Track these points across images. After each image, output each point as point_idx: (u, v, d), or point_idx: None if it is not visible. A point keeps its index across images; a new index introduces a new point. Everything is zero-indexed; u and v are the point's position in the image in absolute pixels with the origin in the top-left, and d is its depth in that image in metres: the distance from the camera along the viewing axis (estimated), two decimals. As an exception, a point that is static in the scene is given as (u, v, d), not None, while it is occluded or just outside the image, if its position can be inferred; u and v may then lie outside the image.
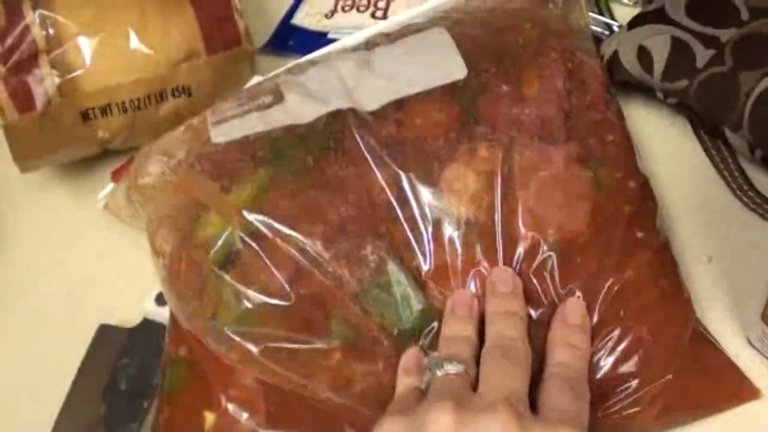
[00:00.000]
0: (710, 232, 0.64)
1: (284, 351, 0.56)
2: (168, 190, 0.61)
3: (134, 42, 0.71)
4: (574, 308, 0.55)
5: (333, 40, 0.78)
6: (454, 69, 0.60)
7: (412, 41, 0.63)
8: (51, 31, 0.71)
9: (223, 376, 0.57)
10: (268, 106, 0.62)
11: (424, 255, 0.56)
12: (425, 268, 0.56)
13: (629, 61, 0.67)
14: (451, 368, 0.51)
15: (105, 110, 0.72)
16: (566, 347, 0.53)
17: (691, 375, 0.56)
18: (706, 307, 0.60)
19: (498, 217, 0.56)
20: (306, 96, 0.61)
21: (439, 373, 0.51)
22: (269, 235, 0.56)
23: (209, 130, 0.62)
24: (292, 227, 0.56)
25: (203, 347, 0.58)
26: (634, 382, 0.55)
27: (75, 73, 0.71)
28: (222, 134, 0.61)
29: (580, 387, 0.52)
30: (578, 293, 0.55)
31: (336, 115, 0.59)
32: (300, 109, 0.61)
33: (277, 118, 0.61)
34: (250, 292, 0.56)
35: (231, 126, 0.61)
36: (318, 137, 0.59)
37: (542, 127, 0.58)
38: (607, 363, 0.55)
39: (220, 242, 0.57)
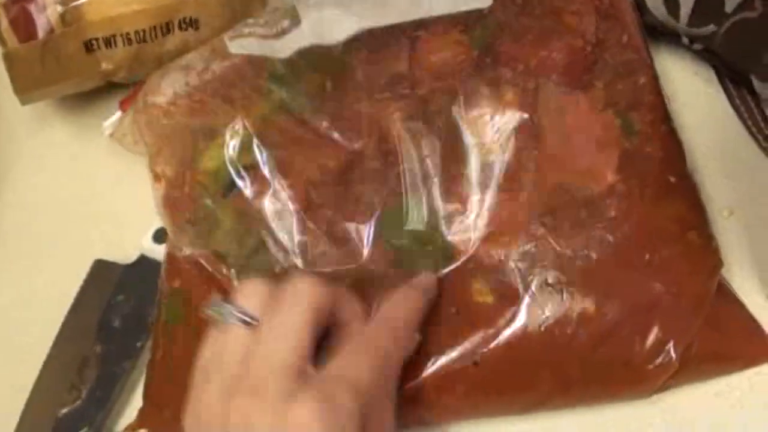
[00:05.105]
0: (732, 184, 0.62)
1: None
2: (178, 112, 0.60)
3: (140, -30, 0.69)
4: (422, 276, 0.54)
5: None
6: (479, -1, 0.59)
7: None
8: (54, -44, 0.68)
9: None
10: (285, 31, 0.61)
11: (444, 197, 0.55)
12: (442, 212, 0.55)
13: (655, 5, 0.64)
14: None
15: (109, 41, 0.70)
16: (390, 300, 0.53)
17: (714, 330, 0.54)
18: (726, 262, 0.58)
19: (525, 161, 0.55)
20: (322, 17, 0.60)
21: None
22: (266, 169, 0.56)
23: (226, 44, 0.61)
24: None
25: (197, 279, 0.57)
26: (658, 335, 0.53)
27: (78, 2, 0.69)
28: (240, 47, 0.60)
29: (375, 343, 0.50)
30: (610, 238, 0.53)
31: (349, 44, 0.58)
32: (316, 29, 0.60)
33: (296, 41, 0.60)
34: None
35: (249, 42, 0.60)
36: (334, 62, 0.58)
37: (568, 70, 0.57)
38: (631, 313, 0.53)
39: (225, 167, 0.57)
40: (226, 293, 0.57)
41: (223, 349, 0.48)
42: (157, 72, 0.64)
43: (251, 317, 0.48)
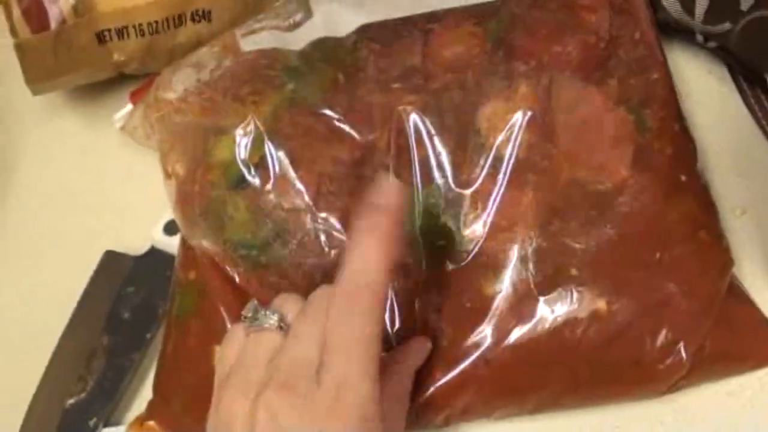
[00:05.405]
0: (745, 183, 0.61)
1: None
2: (189, 109, 0.60)
3: (153, -38, 0.69)
4: (383, 188, 0.48)
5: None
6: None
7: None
8: (67, -53, 0.68)
9: (233, 301, 0.56)
10: (297, 24, 0.60)
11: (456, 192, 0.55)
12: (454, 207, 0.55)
13: (669, 1, 0.64)
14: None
15: (121, 32, 0.69)
16: (353, 242, 0.47)
17: (725, 330, 0.53)
18: (737, 261, 0.57)
19: (538, 156, 0.54)
20: (335, 9, 0.60)
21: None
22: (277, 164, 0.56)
23: (238, 41, 0.60)
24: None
25: (213, 272, 0.57)
26: (668, 335, 0.52)
27: (91, -8, 0.68)
28: (252, 43, 0.60)
29: (352, 302, 0.46)
30: (621, 235, 0.53)
31: (362, 36, 0.58)
32: (329, 22, 0.59)
33: (308, 33, 0.59)
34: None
35: (261, 37, 0.60)
36: (346, 54, 0.58)
37: (582, 65, 0.56)
38: (642, 313, 0.52)
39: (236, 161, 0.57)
40: (239, 288, 0.57)
41: (255, 350, 0.48)
42: (168, 68, 0.63)
43: (286, 324, 0.49)
